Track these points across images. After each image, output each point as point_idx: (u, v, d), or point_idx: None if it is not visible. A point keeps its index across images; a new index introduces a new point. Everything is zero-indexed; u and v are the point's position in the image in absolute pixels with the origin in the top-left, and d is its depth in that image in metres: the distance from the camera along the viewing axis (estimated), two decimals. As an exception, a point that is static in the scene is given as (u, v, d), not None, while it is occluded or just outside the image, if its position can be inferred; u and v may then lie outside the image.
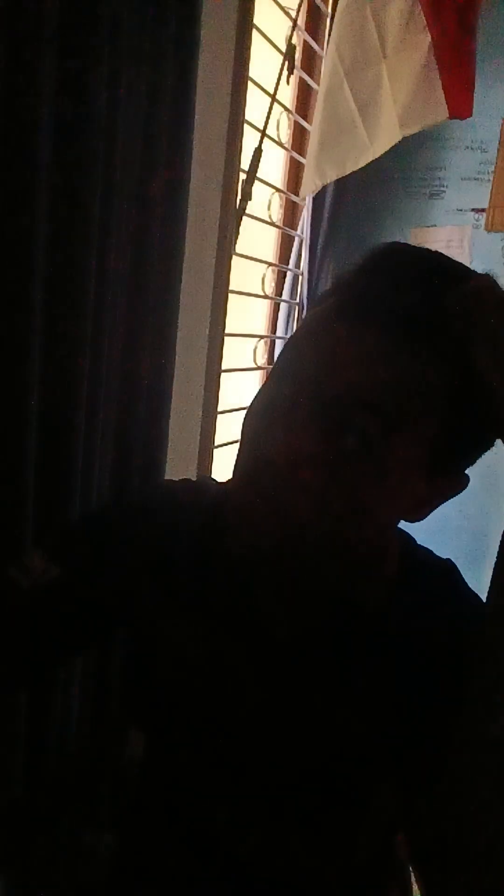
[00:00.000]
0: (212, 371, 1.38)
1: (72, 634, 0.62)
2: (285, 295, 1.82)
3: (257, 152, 1.40)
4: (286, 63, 1.48)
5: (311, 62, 1.77)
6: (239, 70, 1.27)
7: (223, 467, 1.44)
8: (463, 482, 0.52)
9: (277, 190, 1.68)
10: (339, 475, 0.46)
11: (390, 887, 0.65)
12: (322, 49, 1.70)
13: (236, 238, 1.38)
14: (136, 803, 0.68)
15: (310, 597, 0.55)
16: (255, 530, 0.48)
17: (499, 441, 0.50)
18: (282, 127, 1.64)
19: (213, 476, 1.15)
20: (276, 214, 1.74)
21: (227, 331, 1.41)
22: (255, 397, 0.51)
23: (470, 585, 0.59)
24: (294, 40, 1.51)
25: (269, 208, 1.65)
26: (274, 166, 1.76)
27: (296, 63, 1.62)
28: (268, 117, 1.43)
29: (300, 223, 1.80)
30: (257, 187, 1.44)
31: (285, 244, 1.85)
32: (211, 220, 1.30)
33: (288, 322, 1.85)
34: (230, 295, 1.39)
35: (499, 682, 0.45)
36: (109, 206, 0.89)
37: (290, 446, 0.46)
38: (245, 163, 1.38)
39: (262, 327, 1.88)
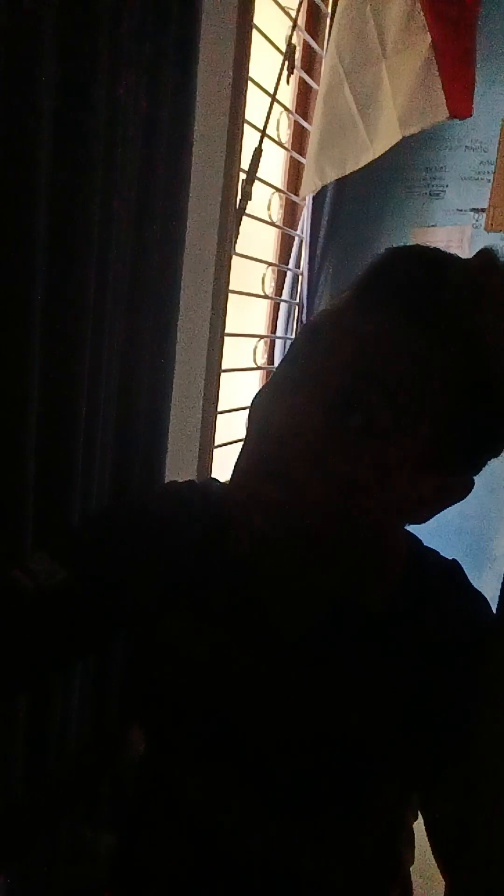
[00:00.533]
0: (212, 371, 1.38)
1: (77, 637, 0.61)
2: (285, 295, 1.82)
3: (257, 152, 1.40)
4: (286, 63, 1.47)
5: (311, 62, 1.77)
6: (239, 70, 1.27)
7: (223, 467, 1.43)
8: (467, 487, 0.51)
9: (277, 190, 1.68)
10: (342, 454, 0.46)
11: (392, 888, 0.65)
12: (322, 49, 1.70)
13: (236, 238, 1.38)
14: (136, 803, 0.68)
15: (314, 596, 0.55)
16: (258, 511, 0.48)
17: None
18: (282, 127, 1.64)
19: (212, 476, 1.15)
20: (276, 214, 1.74)
21: (227, 331, 1.41)
22: (266, 382, 0.52)
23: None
24: (294, 40, 1.50)
25: (269, 208, 1.65)
26: (274, 166, 1.75)
27: (296, 63, 1.62)
28: (268, 117, 1.43)
29: (300, 223, 1.80)
30: (257, 187, 1.44)
31: (285, 244, 1.85)
32: (211, 220, 1.30)
33: (288, 322, 1.84)
34: (230, 295, 1.39)
35: None
36: (109, 206, 0.89)
37: (296, 421, 0.46)
38: (245, 163, 1.38)
39: (262, 327, 1.88)
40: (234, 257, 1.39)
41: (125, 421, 1.04)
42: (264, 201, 1.63)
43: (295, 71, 1.63)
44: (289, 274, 1.81)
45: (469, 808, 0.48)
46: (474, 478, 0.52)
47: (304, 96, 1.79)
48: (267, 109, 1.43)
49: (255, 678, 0.55)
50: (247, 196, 1.38)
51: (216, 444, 1.46)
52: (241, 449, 0.51)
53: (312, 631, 0.55)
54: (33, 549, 0.79)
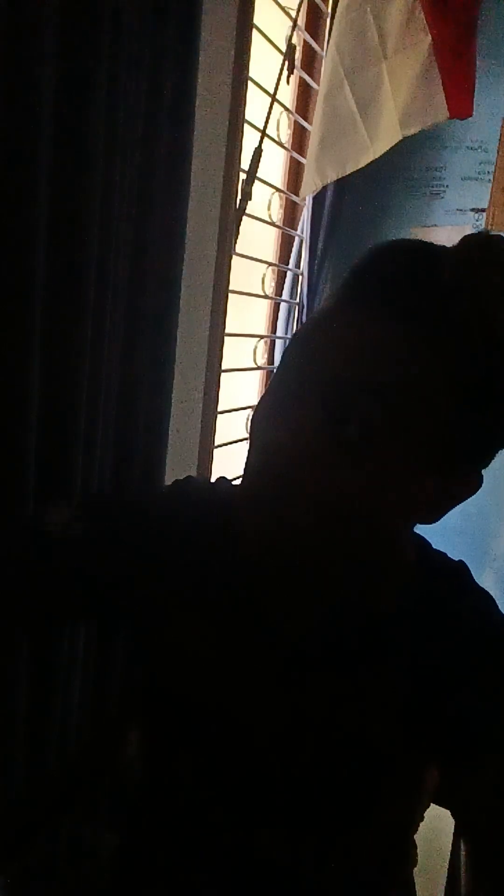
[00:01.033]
0: (212, 371, 1.38)
1: (79, 595, 0.62)
2: (285, 295, 1.82)
3: (257, 152, 1.40)
4: (286, 63, 1.47)
5: (311, 62, 1.77)
6: (239, 70, 1.27)
7: (223, 467, 1.43)
8: (476, 482, 0.50)
9: (277, 190, 1.68)
10: (343, 465, 0.45)
11: (394, 888, 0.64)
12: (322, 49, 1.70)
13: (236, 238, 1.38)
14: (136, 803, 0.68)
15: (318, 598, 0.55)
16: (263, 522, 0.48)
17: None
18: (282, 127, 1.64)
19: (222, 476, 1.15)
20: (276, 214, 1.74)
21: (227, 331, 1.41)
22: (263, 394, 0.51)
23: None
24: (294, 40, 1.50)
25: (269, 208, 1.65)
26: (274, 166, 1.75)
27: (296, 63, 1.62)
28: (268, 117, 1.43)
29: (300, 223, 1.80)
30: (257, 187, 1.44)
31: (285, 244, 1.85)
32: (211, 220, 1.30)
33: (288, 322, 1.84)
34: (230, 295, 1.39)
35: None
36: (109, 206, 0.89)
37: (295, 436, 0.46)
38: (245, 163, 1.38)
39: (262, 327, 1.88)
40: (234, 257, 1.39)
41: (125, 421, 1.04)
42: (264, 201, 1.63)
43: (295, 71, 1.63)
44: (289, 274, 1.81)
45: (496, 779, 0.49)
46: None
47: (304, 96, 1.79)
48: (267, 109, 1.43)
49: (257, 679, 0.55)
50: (247, 196, 1.38)
51: (216, 444, 1.46)
52: (245, 464, 0.51)
53: (317, 633, 0.54)
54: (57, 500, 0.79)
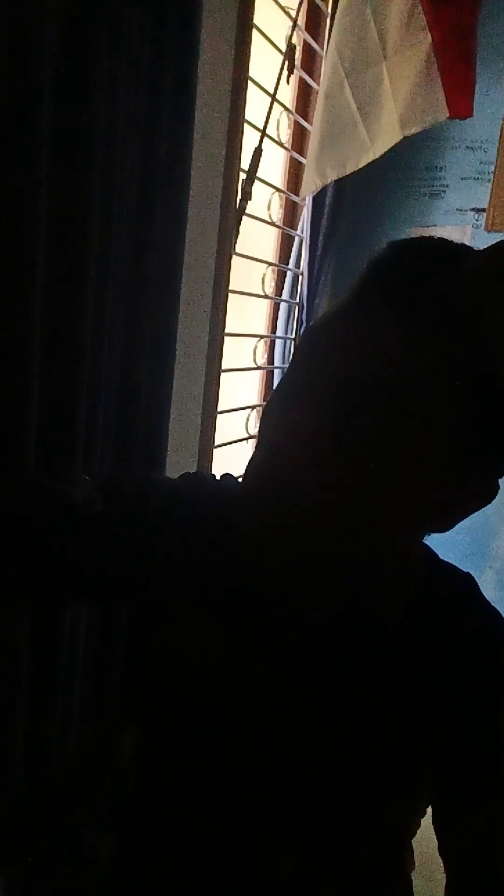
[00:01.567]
0: (212, 371, 1.38)
1: (92, 572, 0.59)
2: (285, 295, 1.82)
3: (257, 152, 1.41)
4: (286, 63, 1.48)
5: (311, 62, 1.77)
6: (239, 70, 1.27)
7: (223, 467, 1.43)
8: (490, 492, 0.49)
9: (277, 190, 1.68)
10: (353, 463, 0.44)
11: (393, 891, 0.64)
12: (322, 49, 1.70)
13: (236, 238, 1.38)
14: (135, 804, 0.68)
15: (320, 601, 0.54)
16: (265, 518, 0.47)
17: None
18: (282, 127, 1.64)
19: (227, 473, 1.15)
20: (276, 214, 1.74)
21: (227, 331, 1.41)
22: (274, 389, 0.51)
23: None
24: (294, 40, 1.51)
25: (269, 208, 1.65)
26: (274, 166, 1.75)
27: (296, 63, 1.62)
28: (268, 117, 1.43)
29: (300, 223, 1.80)
30: (257, 187, 1.44)
31: (285, 244, 1.85)
32: (211, 220, 1.30)
33: (288, 322, 1.85)
34: (230, 295, 1.40)
35: None
36: (109, 206, 0.89)
37: (302, 434, 0.45)
38: (245, 163, 1.38)
39: (262, 327, 1.88)
40: (234, 257, 1.39)
41: (125, 421, 1.04)
42: (264, 201, 1.63)
43: (295, 71, 1.63)
44: (289, 274, 1.81)
45: (487, 821, 0.48)
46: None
47: (304, 96, 1.79)
48: (267, 109, 1.43)
49: (258, 684, 0.55)
50: (247, 196, 1.38)
51: (216, 444, 1.46)
52: (251, 458, 0.50)
53: (316, 637, 0.54)
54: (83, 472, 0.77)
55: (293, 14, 1.48)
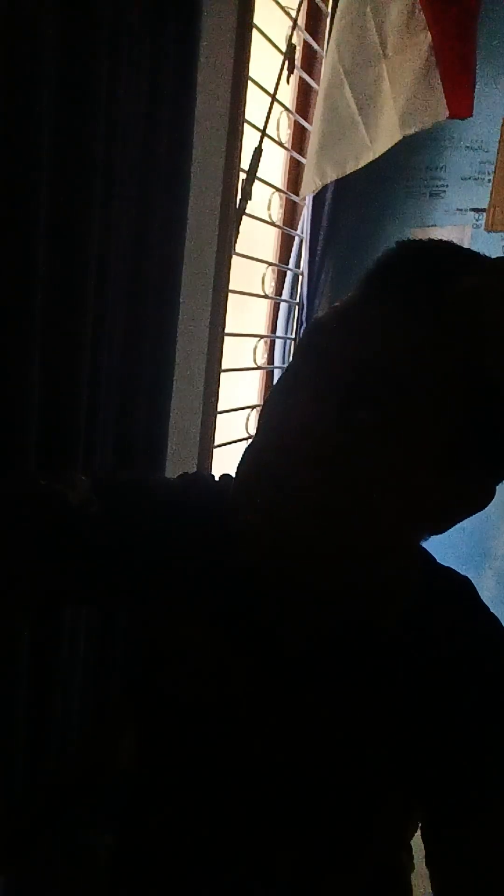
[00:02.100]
0: (212, 371, 1.38)
1: (87, 573, 0.59)
2: (285, 295, 1.82)
3: (257, 152, 1.41)
4: (286, 63, 1.48)
5: (311, 62, 1.77)
6: (239, 70, 1.27)
7: (223, 467, 1.43)
8: (489, 494, 0.49)
9: (277, 190, 1.68)
10: (352, 454, 0.44)
11: (393, 895, 0.64)
12: (322, 49, 1.70)
13: (236, 238, 1.38)
14: (135, 804, 0.67)
15: (319, 610, 0.54)
16: (260, 517, 0.46)
17: None
18: (282, 127, 1.64)
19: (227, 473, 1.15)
20: (276, 214, 1.74)
21: (227, 331, 1.41)
22: (275, 384, 0.50)
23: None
24: (294, 40, 1.50)
25: (269, 208, 1.65)
26: (274, 166, 1.75)
27: (296, 63, 1.62)
28: (268, 117, 1.43)
29: (300, 223, 1.80)
30: (257, 187, 1.44)
31: (285, 244, 1.85)
32: (211, 220, 1.30)
33: (288, 322, 1.85)
34: (230, 295, 1.40)
35: None
36: (109, 206, 0.89)
37: (301, 421, 0.45)
38: (245, 163, 1.38)
39: (262, 327, 1.88)
40: (234, 257, 1.39)
41: (125, 421, 1.04)
42: (264, 201, 1.63)
43: (295, 71, 1.63)
44: (289, 274, 1.81)
45: (475, 837, 0.48)
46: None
47: (304, 96, 1.79)
48: (267, 109, 1.43)
49: (254, 689, 0.55)
50: (247, 196, 1.38)
51: (216, 444, 1.46)
52: (247, 448, 0.49)
53: (316, 645, 0.54)
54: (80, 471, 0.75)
55: (293, 14, 1.48)
